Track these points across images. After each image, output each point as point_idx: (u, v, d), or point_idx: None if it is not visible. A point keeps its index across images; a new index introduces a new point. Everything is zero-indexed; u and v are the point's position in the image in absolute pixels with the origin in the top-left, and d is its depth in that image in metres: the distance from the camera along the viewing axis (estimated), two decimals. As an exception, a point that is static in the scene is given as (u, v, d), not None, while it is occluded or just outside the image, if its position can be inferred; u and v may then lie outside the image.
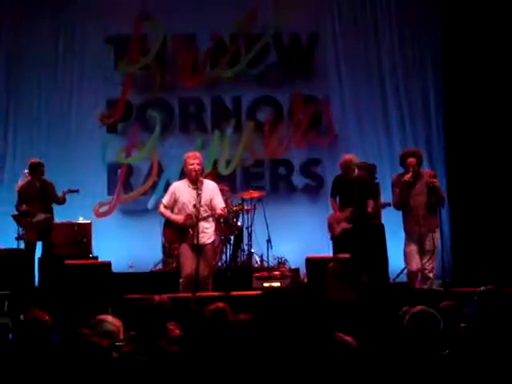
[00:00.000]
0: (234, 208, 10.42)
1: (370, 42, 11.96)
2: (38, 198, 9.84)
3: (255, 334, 3.40)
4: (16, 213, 9.83)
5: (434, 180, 8.76)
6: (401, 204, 8.86)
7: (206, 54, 12.07)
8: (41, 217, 9.77)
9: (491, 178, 11.12)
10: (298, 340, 3.07)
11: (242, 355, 2.88)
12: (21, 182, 9.85)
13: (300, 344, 2.90)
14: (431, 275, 8.74)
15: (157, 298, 5.57)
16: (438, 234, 8.80)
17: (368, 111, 11.88)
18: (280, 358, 2.74)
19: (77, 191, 9.98)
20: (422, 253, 8.78)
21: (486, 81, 11.27)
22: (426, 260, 8.75)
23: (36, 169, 9.89)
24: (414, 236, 8.77)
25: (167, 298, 5.87)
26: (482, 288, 4.30)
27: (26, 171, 9.90)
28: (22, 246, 9.91)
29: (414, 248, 8.75)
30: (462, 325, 4.72)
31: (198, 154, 8.73)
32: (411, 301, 4.91)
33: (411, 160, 8.81)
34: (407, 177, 8.79)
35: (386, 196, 9.77)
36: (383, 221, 10.12)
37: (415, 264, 8.75)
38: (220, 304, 5.75)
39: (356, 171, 9.56)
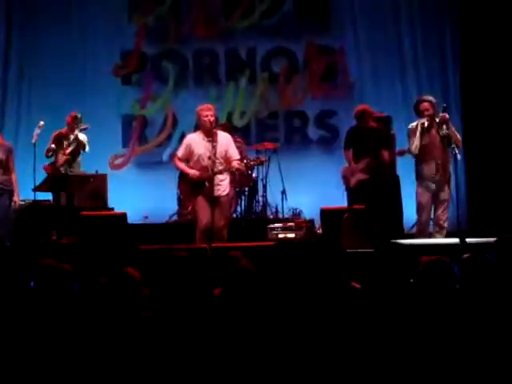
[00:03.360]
0: (252, 162, 10.46)
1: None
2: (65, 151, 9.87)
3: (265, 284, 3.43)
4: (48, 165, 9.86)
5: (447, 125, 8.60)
6: (418, 149, 8.72)
7: (221, 4, 11.96)
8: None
9: (508, 123, 10.98)
10: (312, 290, 3.09)
11: (255, 303, 2.92)
12: (37, 132, 9.77)
13: (314, 294, 2.91)
14: (446, 225, 8.73)
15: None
16: (452, 183, 8.76)
17: (384, 62, 11.75)
18: (292, 308, 2.75)
19: (86, 128, 9.89)
20: (437, 202, 8.75)
21: (504, 23, 11.03)
22: (441, 210, 8.71)
23: (74, 121, 9.87)
24: (429, 185, 8.73)
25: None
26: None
27: (42, 123, 9.82)
28: (38, 197, 9.94)
29: (428, 198, 8.72)
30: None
31: (210, 106, 8.66)
32: (428, 253, 4.91)
33: (425, 104, 8.73)
34: (423, 121, 8.70)
35: (401, 148, 9.72)
36: (398, 172, 10.10)
37: (427, 214, 8.76)
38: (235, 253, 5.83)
39: (371, 122, 9.53)
